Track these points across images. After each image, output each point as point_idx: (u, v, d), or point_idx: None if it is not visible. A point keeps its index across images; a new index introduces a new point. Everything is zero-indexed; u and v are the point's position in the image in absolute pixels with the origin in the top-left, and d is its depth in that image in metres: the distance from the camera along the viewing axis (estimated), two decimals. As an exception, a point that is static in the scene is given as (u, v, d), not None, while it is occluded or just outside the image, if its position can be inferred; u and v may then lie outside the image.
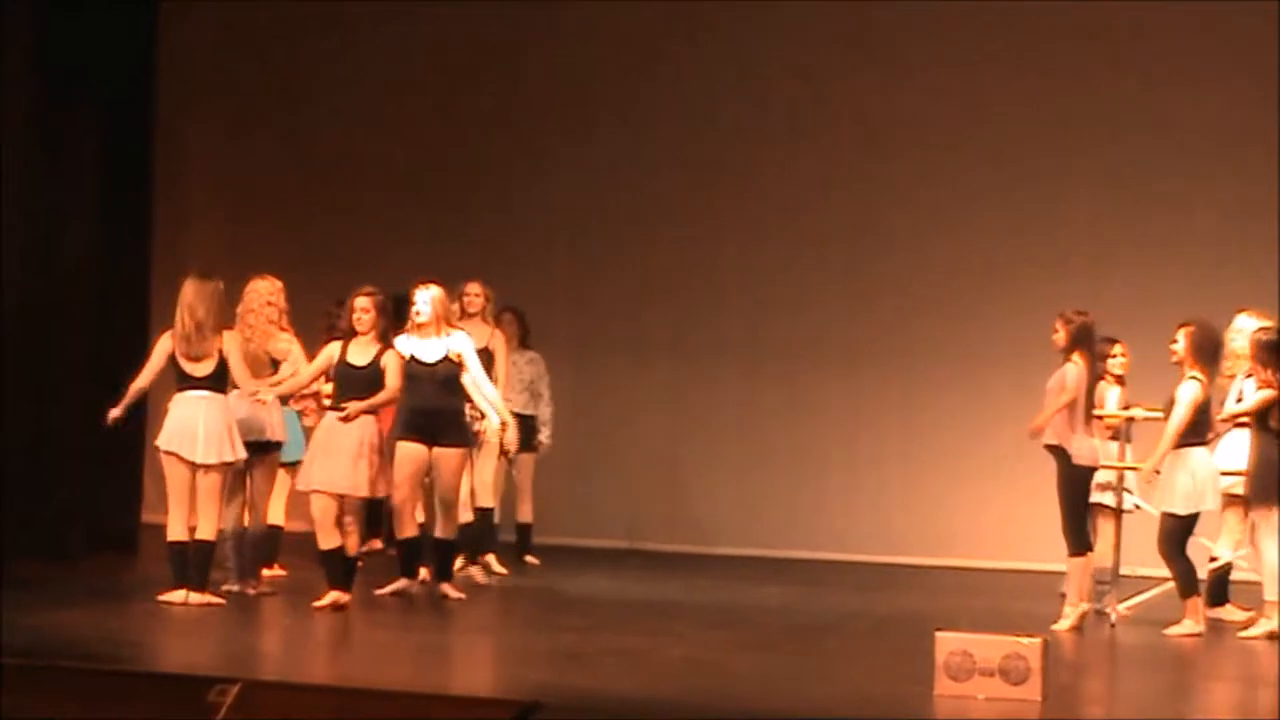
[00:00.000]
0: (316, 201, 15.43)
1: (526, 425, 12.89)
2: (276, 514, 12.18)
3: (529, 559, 13.41)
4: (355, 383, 10.92)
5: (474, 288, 12.37)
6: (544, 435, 13.24)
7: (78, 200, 13.27)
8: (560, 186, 15.12)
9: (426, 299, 11.36)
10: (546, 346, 13.61)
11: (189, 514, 10.93)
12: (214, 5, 15.34)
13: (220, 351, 10.90)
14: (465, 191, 15.19)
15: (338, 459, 10.84)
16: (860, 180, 14.72)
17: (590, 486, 14.67)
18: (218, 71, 15.55)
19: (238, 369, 10.94)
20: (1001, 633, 9.41)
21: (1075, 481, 11.14)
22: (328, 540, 10.92)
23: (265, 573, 11.83)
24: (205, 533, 10.91)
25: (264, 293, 11.44)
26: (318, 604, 10.87)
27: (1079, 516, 11.22)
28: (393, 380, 10.93)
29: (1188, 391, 11.02)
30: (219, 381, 10.93)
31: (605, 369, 14.96)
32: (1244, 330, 11.55)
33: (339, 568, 10.96)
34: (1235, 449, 11.37)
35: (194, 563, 10.93)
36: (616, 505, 14.79)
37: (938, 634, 8.97)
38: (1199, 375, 11.10)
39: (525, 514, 13.48)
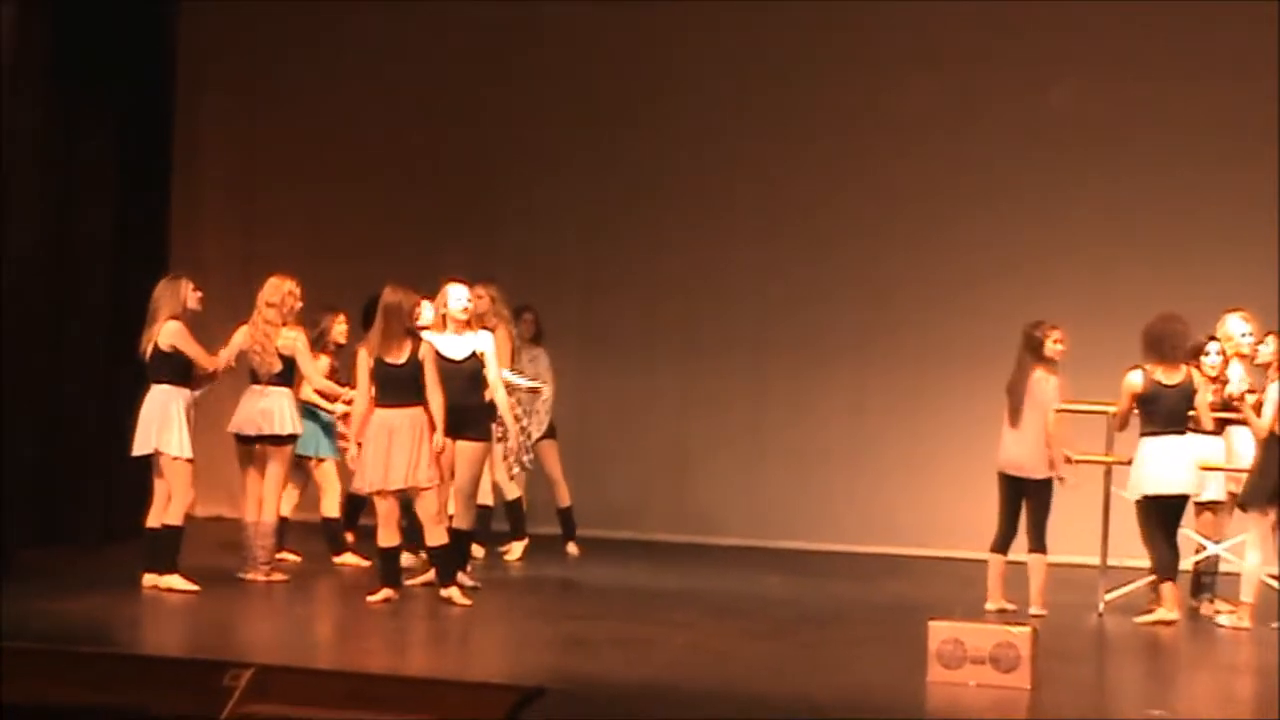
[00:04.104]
0: (329, 196, 15.33)
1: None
2: (286, 506, 12.31)
3: (571, 547, 13.48)
4: (397, 382, 10.82)
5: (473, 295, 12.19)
6: (533, 424, 13.11)
7: (94, 191, 13.25)
8: (573, 185, 15.04)
9: (465, 295, 11.34)
10: (557, 342, 13.62)
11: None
12: (231, 1, 15.34)
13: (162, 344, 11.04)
14: (480, 189, 15.11)
15: (397, 458, 10.76)
16: (868, 179, 14.63)
17: (597, 478, 14.46)
18: (235, 65, 15.43)
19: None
20: (993, 622, 9.56)
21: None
22: (390, 538, 10.91)
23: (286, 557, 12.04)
24: (170, 518, 11.03)
25: (265, 293, 11.51)
26: (371, 599, 10.84)
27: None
28: (430, 380, 10.92)
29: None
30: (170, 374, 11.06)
31: (615, 364, 14.93)
32: (1233, 330, 11.58)
33: (395, 565, 10.98)
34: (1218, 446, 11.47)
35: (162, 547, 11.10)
36: (623, 496, 14.72)
37: (930, 623, 9.03)
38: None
39: (564, 499, 13.49)
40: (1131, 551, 11.54)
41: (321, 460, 12.45)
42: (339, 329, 12.25)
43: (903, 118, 14.54)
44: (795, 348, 14.69)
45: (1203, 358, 11.61)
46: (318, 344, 12.21)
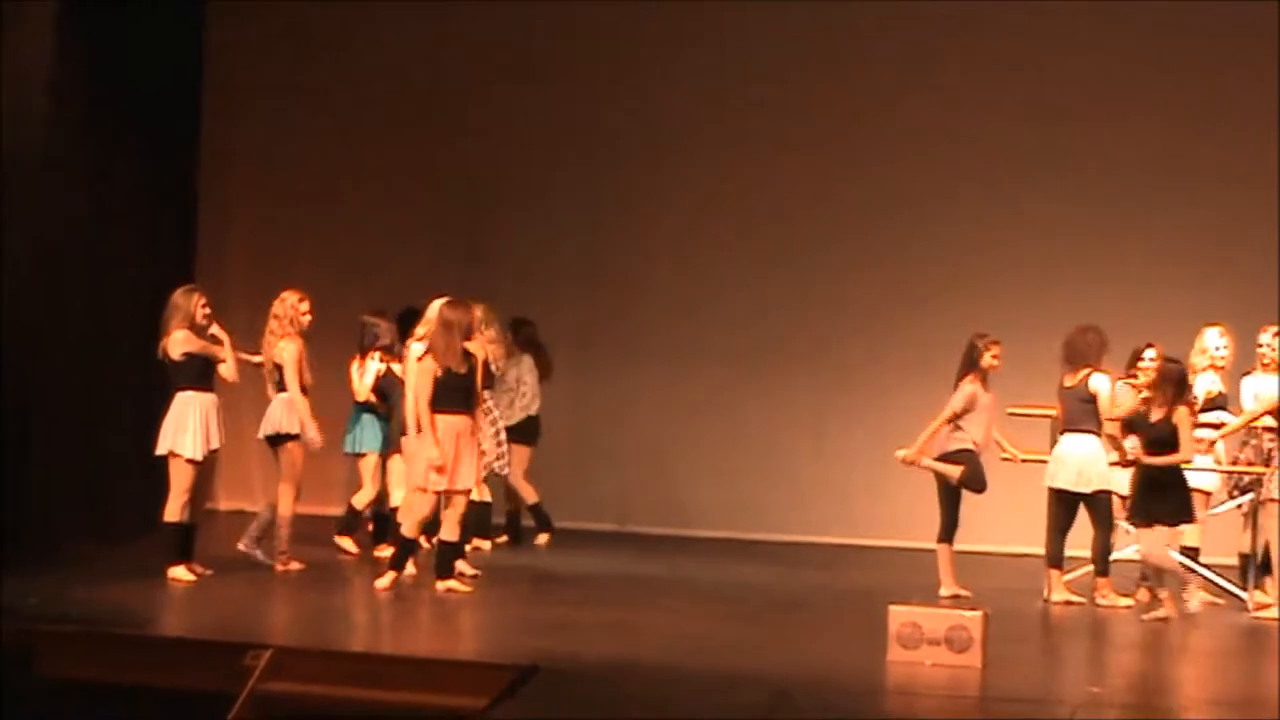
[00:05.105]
0: (343, 205, 15.33)
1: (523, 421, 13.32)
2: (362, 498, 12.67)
3: (541, 538, 13.62)
4: (461, 391, 10.99)
5: None
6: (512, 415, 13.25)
7: (125, 198, 13.33)
8: (569, 201, 15.07)
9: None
10: (550, 347, 13.68)
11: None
12: (257, 9, 15.22)
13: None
14: (481, 203, 15.13)
15: (465, 461, 10.96)
16: (834, 199, 14.67)
17: (585, 474, 14.63)
18: (260, 81, 15.38)
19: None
20: (947, 606, 9.75)
21: None
22: (415, 530, 11.12)
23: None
24: (168, 515, 11.24)
25: (274, 306, 11.82)
26: (380, 584, 11.06)
27: None
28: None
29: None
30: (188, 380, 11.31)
31: (600, 368, 14.97)
32: (1209, 343, 11.77)
33: (409, 556, 11.20)
34: None
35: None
36: (609, 491, 14.84)
37: (891, 607, 9.20)
38: None
39: (530, 496, 13.58)
40: (1072, 542, 11.63)
41: (363, 455, 12.63)
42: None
43: (871, 141, 14.58)
44: (766, 354, 14.68)
45: (1139, 363, 11.82)
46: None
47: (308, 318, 11.78)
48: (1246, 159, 13.72)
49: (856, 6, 14.56)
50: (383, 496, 12.71)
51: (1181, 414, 10.95)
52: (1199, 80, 13.99)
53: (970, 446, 11.45)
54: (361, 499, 12.71)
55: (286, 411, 11.66)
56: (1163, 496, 10.94)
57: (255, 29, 15.26)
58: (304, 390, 11.70)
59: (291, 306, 11.72)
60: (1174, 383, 10.99)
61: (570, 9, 14.92)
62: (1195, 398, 11.42)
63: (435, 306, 11.42)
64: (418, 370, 11.08)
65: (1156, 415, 10.96)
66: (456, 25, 15.09)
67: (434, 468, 10.87)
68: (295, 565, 11.76)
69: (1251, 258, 13.51)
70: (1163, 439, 10.93)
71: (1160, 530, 10.90)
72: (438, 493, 10.96)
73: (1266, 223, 13.51)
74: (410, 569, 11.54)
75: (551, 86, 15.01)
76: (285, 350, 11.64)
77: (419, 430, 10.96)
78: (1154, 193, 14.05)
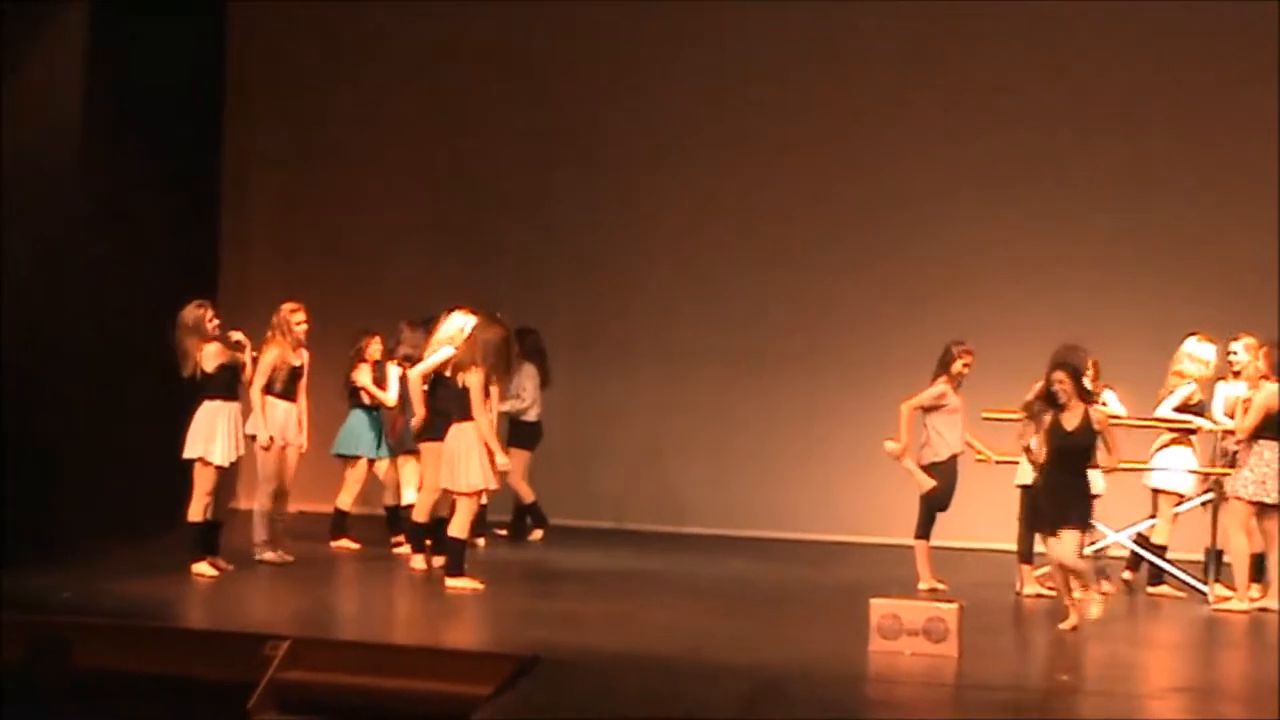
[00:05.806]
0: (332, 210, 15.42)
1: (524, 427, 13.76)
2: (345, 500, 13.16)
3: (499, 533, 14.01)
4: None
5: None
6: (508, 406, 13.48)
7: (142, 198, 13.58)
8: (567, 203, 15.24)
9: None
10: (550, 352, 13.91)
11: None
12: (273, 15, 15.44)
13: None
14: (481, 204, 15.27)
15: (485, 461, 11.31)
16: (834, 194, 14.78)
17: (584, 473, 14.86)
18: (278, 100, 15.54)
19: None
20: (925, 599, 10.12)
21: None
22: (469, 530, 11.47)
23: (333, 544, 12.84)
24: (191, 514, 11.65)
25: (272, 318, 12.23)
26: (454, 585, 11.25)
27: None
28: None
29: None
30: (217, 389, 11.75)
31: (598, 369, 15.13)
32: (1191, 353, 12.07)
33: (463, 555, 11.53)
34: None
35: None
36: (607, 490, 15.02)
37: (872, 600, 9.55)
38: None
39: (526, 496, 13.91)
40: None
41: (356, 459, 13.11)
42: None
43: (871, 141, 14.66)
44: (763, 356, 14.78)
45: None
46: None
47: (302, 327, 12.09)
48: (1247, 161, 13.87)
49: (856, 6, 14.74)
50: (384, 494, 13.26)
51: (1098, 415, 10.66)
52: (1199, 81, 14.13)
53: (945, 459, 11.69)
54: (346, 499, 13.15)
55: (255, 417, 12.01)
56: (1070, 501, 10.62)
57: (261, 31, 15.43)
58: (293, 396, 12.07)
59: (284, 318, 12.06)
60: (1073, 378, 10.64)
61: (570, 9, 15.07)
62: (1099, 392, 11.44)
63: (455, 317, 11.78)
64: (474, 382, 11.17)
65: (1071, 423, 10.57)
66: (457, 25, 15.21)
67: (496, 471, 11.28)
68: (269, 555, 12.03)
69: (1251, 262, 13.64)
70: (1079, 444, 10.59)
71: (1070, 534, 10.58)
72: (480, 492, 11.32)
73: (1266, 227, 13.66)
74: (422, 563, 12.04)
75: (551, 86, 15.11)
76: (264, 355, 11.97)
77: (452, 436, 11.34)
78: (1153, 194, 14.18)
